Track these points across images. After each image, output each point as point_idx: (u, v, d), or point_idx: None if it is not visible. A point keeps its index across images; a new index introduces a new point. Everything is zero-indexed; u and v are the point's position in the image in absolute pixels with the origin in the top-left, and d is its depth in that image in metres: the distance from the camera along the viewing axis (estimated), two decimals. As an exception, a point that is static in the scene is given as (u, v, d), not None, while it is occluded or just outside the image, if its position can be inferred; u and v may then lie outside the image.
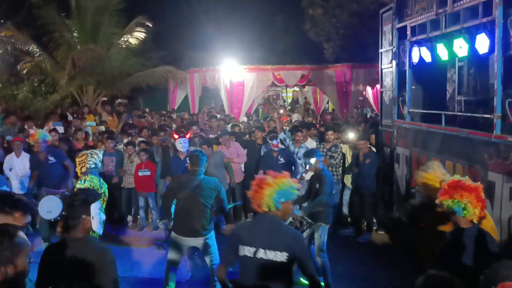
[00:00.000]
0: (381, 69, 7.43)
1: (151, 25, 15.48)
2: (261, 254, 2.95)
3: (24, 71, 14.42)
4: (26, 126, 9.15)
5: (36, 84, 15.08)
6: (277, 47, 14.11)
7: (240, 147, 7.88)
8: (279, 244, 2.94)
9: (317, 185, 5.31)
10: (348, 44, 13.16)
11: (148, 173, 7.54)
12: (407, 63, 6.52)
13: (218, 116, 11.26)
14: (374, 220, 7.41)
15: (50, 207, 4.60)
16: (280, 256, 2.92)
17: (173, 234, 4.90)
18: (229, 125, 10.41)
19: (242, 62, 13.04)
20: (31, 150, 7.49)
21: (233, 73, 12.69)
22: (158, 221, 7.69)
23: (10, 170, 7.16)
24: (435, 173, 3.87)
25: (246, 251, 2.99)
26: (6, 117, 9.86)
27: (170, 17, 18.99)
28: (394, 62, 6.90)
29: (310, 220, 4.96)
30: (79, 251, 2.75)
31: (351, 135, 7.85)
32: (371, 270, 5.93)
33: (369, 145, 7.27)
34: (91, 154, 5.00)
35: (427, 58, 6.03)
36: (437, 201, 3.16)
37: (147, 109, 14.60)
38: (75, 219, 2.83)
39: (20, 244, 1.86)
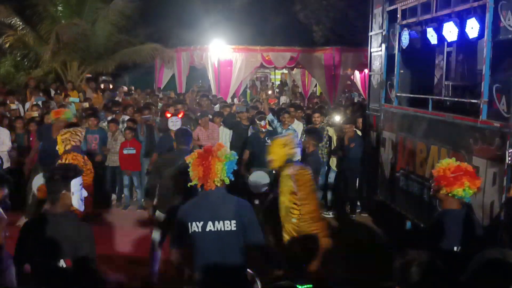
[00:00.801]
0: (370, 53, 7.39)
1: (138, 1, 15.12)
2: (210, 226, 2.94)
3: (7, 45, 14.00)
4: (8, 101, 8.92)
5: (18, 59, 14.69)
6: (266, 28, 13.92)
7: (216, 132, 7.81)
8: (227, 213, 2.94)
9: None
10: (337, 27, 13.06)
11: (133, 151, 7.46)
12: (396, 47, 6.49)
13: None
14: (358, 203, 7.48)
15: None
16: (229, 225, 2.92)
17: (157, 212, 4.87)
18: (217, 106, 10.33)
19: (230, 42, 12.85)
20: (11, 125, 7.33)
21: (221, 53, 12.53)
22: (142, 200, 7.64)
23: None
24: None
25: (194, 226, 2.96)
26: (-13, 92, 9.62)
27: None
28: (383, 46, 6.86)
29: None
30: (57, 226, 2.74)
31: (337, 118, 7.86)
32: (353, 252, 5.99)
33: (354, 129, 7.30)
34: (75, 131, 4.91)
35: (417, 42, 6.00)
36: (444, 191, 3.09)
37: (133, 88, 14.38)
38: (54, 194, 2.80)
39: None
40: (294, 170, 4.03)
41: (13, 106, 8.66)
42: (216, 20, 16.29)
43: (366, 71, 13.15)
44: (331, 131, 7.64)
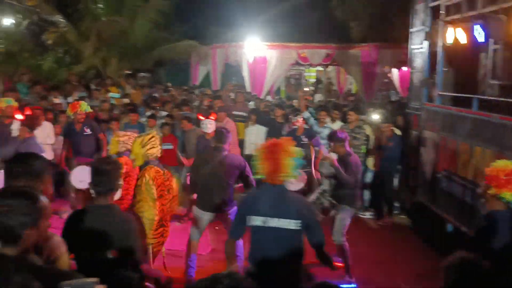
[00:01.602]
0: (411, 50, 7.21)
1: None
2: (271, 222, 2.95)
3: (49, 42, 14.50)
4: (52, 96, 9.24)
5: (60, 55, 15.19)
6: (301, 24, 13.80)
7: (231, 127, 7.78)
8: (290, 212, 2.94)
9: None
10: (375, 23, 12.79)
11: (171, 146, 7.58)
12: (440, 44, 6.30)
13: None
14: (397, 204, 7.32)
15: (82, 176, 4.67)
16: (293, 224, 2.93)
17: (195, 208, 4.93)
18: (251, 102, 10.34)
19: (265, 38, 12.80)
20: (56, 120, 7.60)
21: (256, 50, 12.51)
22: (179, 194, 7.76)
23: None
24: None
25: (256, 220, 2.98)
26: (32, 87, 9.99)
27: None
28: (425, 43, 6.68)
29: (334, 201, 4.91)
30: (103, 218, 2.78)
31: (375, 117, 7.71)
32: (392, 255, 5.89)
33: (393, 128, 7.14)
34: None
35: (461, 39, 5.80)
36: (493, 192, 2.99)
37: (170, 84, 14.60)
38: (102, 186, 2.85)
39: (43, 209, 1.88)
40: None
41: (56, 101, 8.97)
42: (252, 17, 16.31)
43: (404, 68, 12.87)
44: (368, 130, 7.50)
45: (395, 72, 13.35)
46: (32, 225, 1.81)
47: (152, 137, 4.18)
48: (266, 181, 3.05)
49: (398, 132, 7.19)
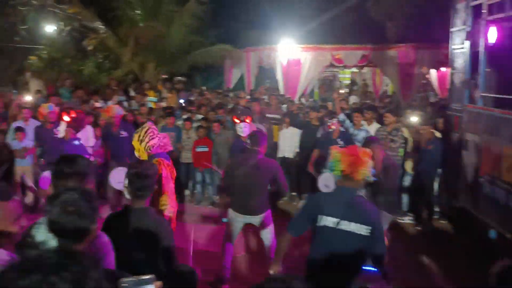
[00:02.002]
0: (452, 50, 6.99)
1: (209, 3, 15.52)
2: (344, 225, 2.94)
3: (90, 47, 15.00)
4: (92, 100, 9.57)
5: (100, 60, 15.69)
6: (336, 25, 13.62)
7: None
8: (364, 217, 2.95)
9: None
10: (412, 23, 12.46)
11: (206, 149, 7.68)
12: (482, 44, 6.07)
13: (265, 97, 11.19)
14: (437, 209, 7.11)
15: (120, 178, 4.79)
16: (364, 230, 2.93)
17: (230, 210, 4.96)
18: (284, 105, 10.32)
19: (299, 40, 12.73)
20: (96, 123, 7.85)
21: (290, 52, 12.48)
22: (214, 196, 7.85)
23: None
24: None
25: (328, 221, 2.98)
26: (74, 91, 10.38)
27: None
28: (467, 43, 6.46)
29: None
30: (140, 220, 2.84)
31: (413, 119, 7.52)
32: (432, 261, 5.72)
33: (433, 130, 6.94)
34: (163, 136, 5.10)
35: (505, 39, 5.58)
36: None
37: (204, 88, 14.80)
38: (143, 190, 2.91)
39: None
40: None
41: (96, 105, 9.28)
42: (285, 20, 16.25)
43: (443, 69, 12.49)
44: (406, 132, 7.32)
45: (433, 73, 12.99)
46: (94, 224, 1.91)
47: (148, 129, 4.22)
48: (340, 184, 3.07)
49: (438, 134, 6.98)
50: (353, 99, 13.49)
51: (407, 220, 7.08)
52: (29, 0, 13.52)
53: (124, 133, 7.17)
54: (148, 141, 4.16)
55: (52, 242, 2.10)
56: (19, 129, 7.12)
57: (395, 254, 5.40)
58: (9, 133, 7.25)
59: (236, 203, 4.86)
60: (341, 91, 11.99)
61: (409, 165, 7.20)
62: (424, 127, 6.87)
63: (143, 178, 2.92)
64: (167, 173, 4.17)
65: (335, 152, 3.10)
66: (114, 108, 7.25)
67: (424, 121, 7.16)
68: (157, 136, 4.22)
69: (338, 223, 2.96)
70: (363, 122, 7.25)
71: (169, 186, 4.14)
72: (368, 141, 5.20)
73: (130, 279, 1.60)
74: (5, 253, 1.91)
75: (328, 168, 3.13)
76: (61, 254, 1.23)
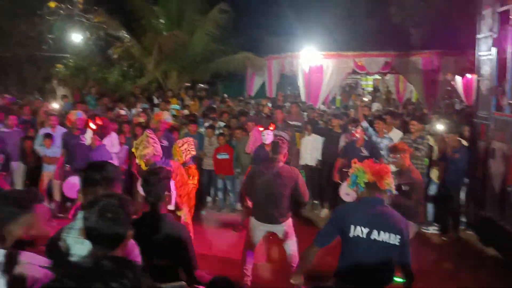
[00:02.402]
0: (478, 57, 6.86)
1: (231, 12, 15.66)
2: (375, 235, 2.94)
3: (115, 56, 15.32)
4: (117, 108, 9.74)
5: (125, 69, 16.00)
6: (358, 32, 13.54)
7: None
8: (394, 227, 2.94)
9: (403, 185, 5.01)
10: (437, 29, 12.28)
11: (227, 156, 7.71)
12: (509, 51, 5.93)
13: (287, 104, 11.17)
14: (463, 219, 6.93)
15: None
16: (394, 239, 2.92)
17: (251, 218, 4.95)
18: (306, 113, 10.28)
19: (321, 47, 12.71)
20: (120, 129, 8.00)
21: (312, 59, 12.45)
22: (235, 203, 7.86)
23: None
24: None
25: (359, 231, 2.97)
26: (100, 99, 10.60)
27: (249, 3, 19.03)
28: (494, 49, 6.32)
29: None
30: (158, 226, 2.84)
31: (439, 127, 7.37)
32: (458, 272, 5.58)
33: (459, 138, 6.79)
34: (191, 142, 5.17)
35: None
36: None
37: (226, 95, 14.91)
38: (159, 196, 2.92)
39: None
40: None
41: (121, 112, 9.44)
42: (307, 27, 16.23)
43: (468, 76, 12.24)
44: (431, 141, 7.18)
45: (458, 80, 12.75)
46: (130, 230, 1.94)
47: (143, 139, 4.25)
48: (364, 195, 3.08)
49: (465, 143, 6.83)
50: (376, 106, 13.35)
51: (432, 230, 6.93)
52: (57, 10, 13.92)
53: (164, 142, 7.15)
54: (142, 149, 4.20)
55: (80, 247, 2.15)
56: (47, 136, 7.31)
57: (420, 265, 5.31)
58: (37, 139, 7.45)
59: (257, 211, 4.83)
60: (365, 98, 11.79)
61: (434, 174, 7.05)
62: (450, 135, 6.73)
63: (148, 184, 2.93)
64: (182, 178, 4.21)
65: (357, 166, 3.12)
66: (164, 114, 7.27)
67: (450, 129, 7.02)
68: (153, 145, 4.26)
69: (369, 233, 2.94)
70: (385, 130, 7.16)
71: (185, 191, 4.17)
72: (394, 149, 5.13)
73: (164, 285, 1.62)
74: (36, 256, 1.96)
75: (351, 182, 3.11)
76: (117, 261, 1.26)
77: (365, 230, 2.95)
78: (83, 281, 1.19)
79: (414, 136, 6.91)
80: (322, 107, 12.10)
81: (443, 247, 6.46)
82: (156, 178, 2.95)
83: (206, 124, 8.53)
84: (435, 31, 12.08)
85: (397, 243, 2.92)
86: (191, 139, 5.35)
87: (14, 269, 1.86)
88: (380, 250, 2.93)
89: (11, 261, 1.88)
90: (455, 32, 11.85)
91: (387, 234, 2.92)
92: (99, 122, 6.68)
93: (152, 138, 4.34)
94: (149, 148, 4.23)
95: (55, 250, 2.13)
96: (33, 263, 1.91)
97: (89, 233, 1.90)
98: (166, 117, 7.20)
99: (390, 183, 3.02)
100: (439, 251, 6.32)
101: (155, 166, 4.53)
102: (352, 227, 2.97)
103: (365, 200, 3.07)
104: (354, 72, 13.10)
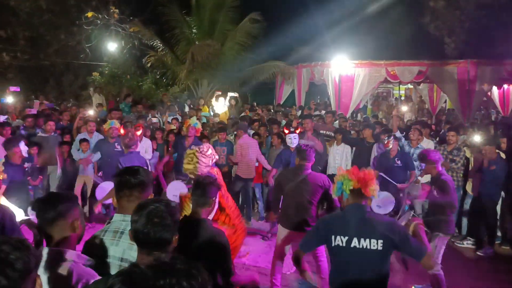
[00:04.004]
0: (517, 66, 6.65)
1: (263, 22, 15.80)
2: (355, 242, 2.88)
3: (148, 64, 15.71)
4: (150, 115, 9.96)
5: (158, 77, 16.38)
6: (391, 41, 13.40)
7: (247, 142, 7.57)
8: (374, 232, 2.86)
9: (435, 191, 4.92)
10: (473, 38, 12.00)
11: (256, 164, 7.71)
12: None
13: (323, 112, 11.10)
14: (499, 234, 6.68)
15: (176, 190, 4.90)
16: (375, 244, 2.84)
17: (279, 226, 4.92)
18: (336, 122, 10.20)
19: (353, 56, 12.63)
20: (153, 136, 8.15)
21: (343, 68, 12.36)
22: (263, 211, 7.85)
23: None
24: None
25: (338, 240, 2.93)
26: (133, 106, 10.87)
27: (280, 13, 19.18)
28: (533, 59, 6.12)
29: (426, 228, 4.62)
30: (197, 231, 2.86)
31: (476, 138, 7.14)
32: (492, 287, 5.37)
33: (497, 150, 6.56)
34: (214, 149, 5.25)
35: None
36: None
37: (255, 103, 15.00)
38: (205, 202, 2.97)
39: None
40: None
41: (154, 120, 9.65)
42: (338, 35, 16.19)
43: (505, 86, 11.88)
44: (468, 152, 6.97)
45: (494, 90, 12.37)
46: (175, 235, 2.00)
47: (189, 153, 4.32)
48: (350, 202, 3.03)
49: (502, 155, 6.60)
50: (408, 116, 13.11)
51: (466, 244, 6.70)
52: (94, 20, 14.42)
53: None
54: (185, 164, 4.31)
55: (115, 248, 2.22)
56: (83, 141, 7.54)
57: (454, 279, 5.15)
58: (74, 144, 7.70)
59: (284, 219, 4.80)
60: (401, 108, 11.39)
61: (470, 187, 6.84)
62: (487, 147, 6.51)
63: (202, 188, 2.99)
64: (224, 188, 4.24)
65: (342, 173, 3.08)
66: (192, 120, 7.40)
67: (487, 141, 6.79)
68: (196, 164, 4.30)
69: (348, 241, 2.89)
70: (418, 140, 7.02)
71: (224, 201, 4.20)
72: (422, 158, 5.04)
73: None
74: (81, 255, 2.04)
75: (336, 189, 3.05)
76: (188, 263, 1.39)
77: (345, 239, 2.90)
78: (159, 273, 1.31)
79: (450, 148, 6.74)
80: (358, 117, 11.97)
81: (477, 262, 6.23)
82: (207, 182, 3.02)
83: (235, 132, 8.58)
84: (471, 40, 11.82)
85: (380, 248, 2.83)
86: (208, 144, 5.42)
87: (59, 266, 1.93)
88: (361, 258, 2.86)
89: (55, 258, 1.95)
90: (493, 41, 11.55)
91: (367, 241, 2.85)
92: (132, 129, 6.83)
93: (202, 154, 4.37)
94: (191, 165, 4.30)
95: (92, 251, 2.20)
96: (78, 262, 1.98)
97: (136, 236, 1.96)
98: (194, 122, 7.30)
99: (375, 189, 2.97)
100: (473, 266, 6.11)
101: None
102: (333, 237, 2.94)
103: (350, 207, 3.02)
104: (386, 81, 12.94)
